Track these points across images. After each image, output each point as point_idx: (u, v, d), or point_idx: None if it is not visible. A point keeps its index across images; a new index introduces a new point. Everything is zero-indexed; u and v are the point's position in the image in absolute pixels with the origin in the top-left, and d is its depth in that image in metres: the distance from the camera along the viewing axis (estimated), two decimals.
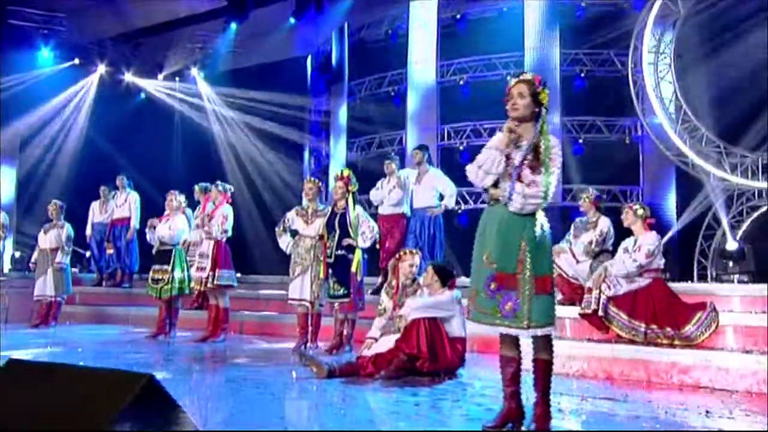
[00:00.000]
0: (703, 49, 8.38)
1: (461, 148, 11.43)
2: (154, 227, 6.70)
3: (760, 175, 7.88)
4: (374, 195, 7.28)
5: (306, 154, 14.60)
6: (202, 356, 5.53)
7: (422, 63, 11.84)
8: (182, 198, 7.01)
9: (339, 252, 5.59)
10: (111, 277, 9.60)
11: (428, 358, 4.25)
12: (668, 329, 4.63)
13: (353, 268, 5.56)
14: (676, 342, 4.59)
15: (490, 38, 11.58)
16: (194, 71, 14.78)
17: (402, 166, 7.91)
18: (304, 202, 6.17)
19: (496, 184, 3.02)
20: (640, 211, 4.91)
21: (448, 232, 7.18)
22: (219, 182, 6.71)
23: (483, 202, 10.80)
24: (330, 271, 5.63)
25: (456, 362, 4.41)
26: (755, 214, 8.75)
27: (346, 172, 5.77)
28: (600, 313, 4.71)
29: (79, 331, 7.37)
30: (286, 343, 6.21)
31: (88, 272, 10.34)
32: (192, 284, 6.54)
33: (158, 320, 6.74)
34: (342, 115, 13.14)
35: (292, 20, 12.45)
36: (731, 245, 7.20)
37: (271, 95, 13.72)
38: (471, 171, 3.09)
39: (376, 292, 6.22)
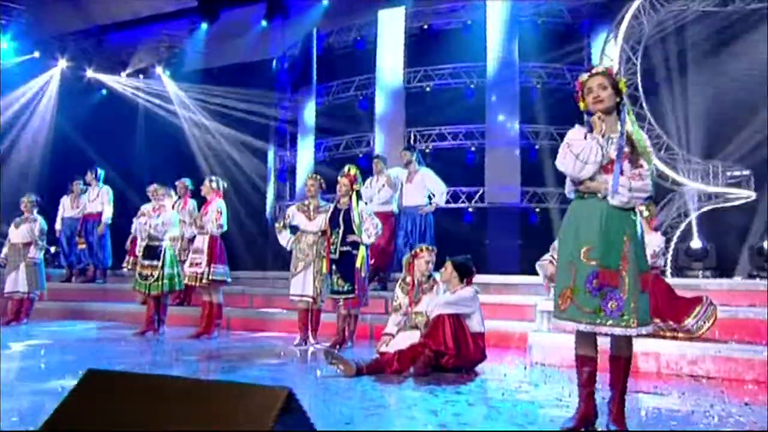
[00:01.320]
0: (668, 65, 8.54)
1: (427, 150, 11.21)
2: (144, 215, 6.09)
3: (710, 180, 8.07)
4: (363, 193, 6.89)
5: (271, 154, 14.01)
6: (212, 355, 4.99)
7: (390, 69, 11.55)
8: (172, 192, 6.42)
9: (344, 248, 5.20)
10: (81, 273, 8.79)
11: (454, 354, 3.96)
12: (671, 323, 4.53)
13: (358, 264, 5.19)
14: (679, 335, 4.49)
15: (454, 48, 11.45)
16: (159, 69, 13.91)
17: (368, 166, 7.62)
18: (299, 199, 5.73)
19: (591, 177, 2.74)
20: (646, 213, 4.79)
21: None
22: (213, 177, 6.16)
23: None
24: (334, 267, 5.24)
25: (479, 357, 4.14)
26: (695, 215, 8.97)
27: (353, 170, 5.39)
28: None
29: (57, 329, 6.61)
30: (283, 340, 5.76)
31: (54, 268, 9.43)
32: (185, 280, 5.96)
33: (146, 317, 6.12)
34: (309, 116, 12.66)
35: (264, 23, 11.88)
36: (696, 244, 7.32)
37: (239, 95, 13.10)
38: (566, 162, 2.71)
39: None
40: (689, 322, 4.52)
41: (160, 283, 5.96)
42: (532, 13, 11.24)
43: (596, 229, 2.66)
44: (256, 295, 7.47)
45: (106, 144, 12.01)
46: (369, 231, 5.24)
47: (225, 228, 5.87)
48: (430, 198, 6.67)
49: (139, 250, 6.37)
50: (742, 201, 7.99)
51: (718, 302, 4.69)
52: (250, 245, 12.50)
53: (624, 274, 2.62)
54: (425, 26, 11.56)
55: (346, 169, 5.43)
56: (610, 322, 2.61)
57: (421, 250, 4.54)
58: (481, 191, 10.83)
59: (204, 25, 12.08)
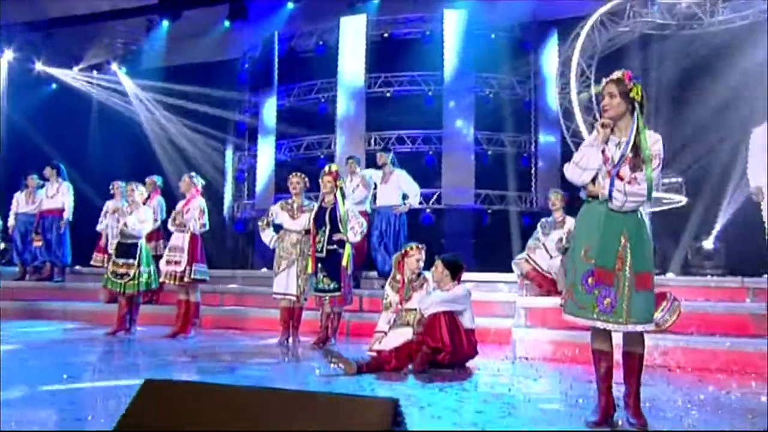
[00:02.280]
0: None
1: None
2: (115, 212, 5.65)
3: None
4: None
5: (229, 153, 13.50)
6: (199, 355, 4.66)
7: (351, 74, 11.36)
8: (143, 189, 6.00)
9: (330, 247, 5.00)
10: (36, 271, 8.10)
11: (450, 350, 3.86)
12: None
13: (344, 263, 5.00)
14: (658, 328, 4.57)
15: (414, 57, 11.40)
16: (115, 66, 13.12)
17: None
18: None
19: (593, 181, 2.72)
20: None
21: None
22: (193, 174, 5.80)
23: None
24: (320, 265, 5.03)
25: (471, 353, 4.06)
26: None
27: (334, 168, 5.20)
28: None
29: (19, 330, 6.01)
30: (260, 337, 5.49)
31: (4, 265, 8.66)
32: (161, 278, 5.55)
33: (118, 316, 5.68)
34: (270, 117, 12.27)
35: (226, 24, 11.42)
36: (708, 244, 7.54)
37: (198, 94, 12.56)
38: (569, 169, 2.78)
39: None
40: (657, 316, 4.60)
41: (136, 281, 5.54)
42: (486, 28, 11.37)
43: (595, 230, 2.68)
44: (227, 293, 7.11)
45: (58, 138, 11.20)
46: (355, 229, 5.08)
47: (207, 227, 5.53)
48: (404, 198, 6.57)
49: (111, 248, 5.91)
50: (676, 205, 8.35)
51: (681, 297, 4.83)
52: (207, 243, 11.99)
53: (619, 273, 2.64)
54: (386, 34, 11.46)
55: (327, 167, 5.23)
56: (603, 317, 2.63)
57: (411, 249, 4.42)
58: (438, 193, 10.83)
59: (165, 23, 11.47)
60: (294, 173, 5.45)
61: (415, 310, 4.26)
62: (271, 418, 1.23)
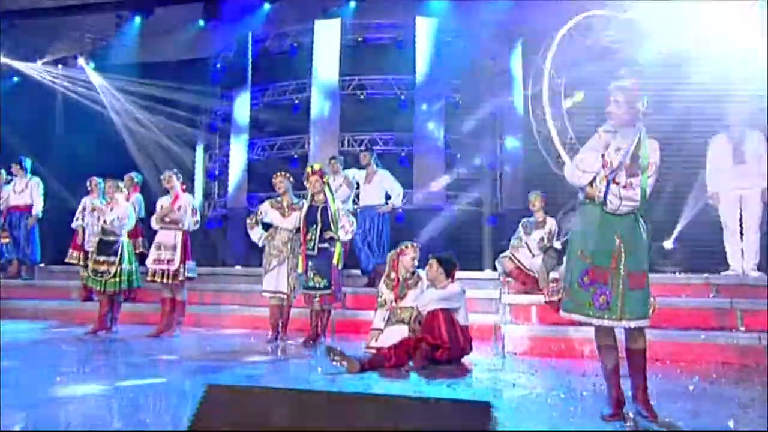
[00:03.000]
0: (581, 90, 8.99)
1: (361, 154, 11.00)
2: (94, 210, 5.33)
3: None
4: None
5: (199, 151, 13.08)
6: (191, 354, 4.44)
7: (326, 76, 11.20)
8: (122, 185, 5.68)
9: (322, 245, 4.87)
10: (2, 269, 7.59)
11: (448, 347, 3.81)
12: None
13: (335, 261, 4.88)
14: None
15: (386, 61, 11.33)
16: (81, 60, 12.48)
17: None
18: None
19: (591, 183, 2.73)
20: None
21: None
22: (176, 170, 5.54)
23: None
24: (310, 263, 4.89)
25: (467, 349, 4.03)
26: None
27: (317, 166, 5.06)
28: None
29: None
30: (252, 337, 5.30)
31: None
32: (149, 276, 5.26)
33: (99, 315, 5.36)
34: (243, 116, 11.94)
35: (201, 23, 11.04)
36: (668, 244, 7.77)
37: (170, 91, 12.11)
38: (568, 170, 2.81)
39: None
40: None
41: (117, 279, 5.24)
42: (455, 36, 11.42)
43: (592, 231, 2.71)
44: (206, 291, 6.85)
45: (21, 132, 10.57)
46: (345, 228, 4.97)
47: (199, 224, 5.30)
48: (387, 198, 6.49)
49: (90, 245, 5.58)
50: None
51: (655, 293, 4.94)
52: None
53: (614, 272, 2.66)
54: (360, 38, 11.34)
55: (309, 167, 5.09)
56: (599, 314, 2.66)
57: (407, 248, 4.35)
58: (409, 194, 10.80)
59: (138, 19, 10.98)
60: (276, 173, 5.27)
61: (410, 307, 4.20)
62: (358, 423, 1.14)
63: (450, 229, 10.97)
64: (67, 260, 6.78)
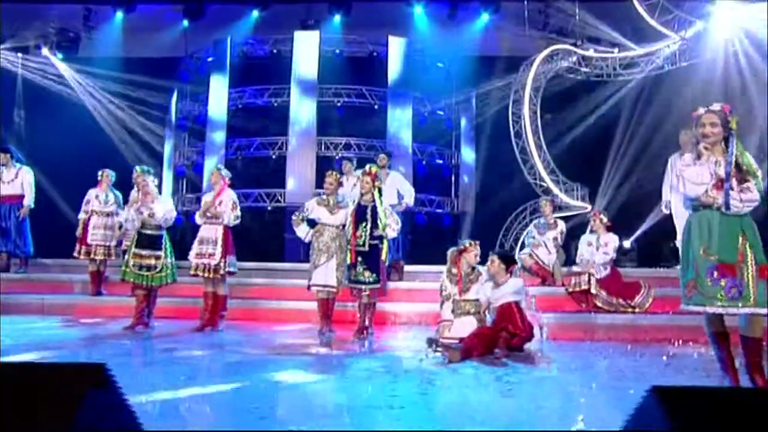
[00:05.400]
0: (557, 110, 9.33)
1: (336, 157, 10.70)
2: (140, 208, 4.64)
3: (577, 195, 9.00)
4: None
5: (168, 147, 11.98)
6: (258, 348, 3.95)
7: (305, 83, 10.75)
8: (154, 178, 4.99)
9: (372, 242, 4.59)
10: None
11: (524, 335, 3.74)
12: (628, 301, 4.91)
13: (383, 257, 4.62)
14: (637, 310, 4.87)
15: (361, 72, 11.11)
16: (46, 50, 10.94)
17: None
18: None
19: (705, 193, 2.78)
20: (605, 219, 5.13)
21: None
22: (220, 166, 4.95)
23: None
24: (359, 259, 4.58)
25: (532, 336, 3.97)
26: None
27: (374, 169, 4.78)
28: (592, 291, 4.80)
29: (10, 326, 4.65)
30: (297, 330, 4.88)
31: None
32: (192, 270, 4.64)
33: (137, 310, 4.64)
34: (219, 116, 11.12)
35: (185, 23, 10.10)
36: (627, 244, 8.14)
37: (141, 87, 11.00)
38: (682, 185, 2.83)
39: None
40: (637, 299, 4.96)
41: (164, 273, 4.59)
42: (423, 56, 11.44)
43: (713, 232, 2.76)
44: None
45: None
46: (392, 226, 4.70)
47: (240, 219, 4.77)
48: (399, 198, 6.29)
49: (128, 240, 4.85)
50: (582, 212, 9.11)
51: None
52: None
53: (742, 266, 2.73)
54: (337, 50, 11.00)
55: (367, 167, 4.80)
56: (731, 304, 2.70)
57: (471, 245, 4.21)
58: None
59: (119, 14, 9.81)
60: (330, 172, 4.91)
61: (473, 300, 4.08)
62: None
63: (415, 228, 10.96)
64: (75, 255, 5.85)
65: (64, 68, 10.81)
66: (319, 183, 10.54)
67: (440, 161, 11.63)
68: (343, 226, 4.74)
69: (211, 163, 11.06)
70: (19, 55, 11.15)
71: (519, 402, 2.58)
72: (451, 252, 4.32)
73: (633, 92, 8.69)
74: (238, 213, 4.73)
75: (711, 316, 2.77)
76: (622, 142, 8.64)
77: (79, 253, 5.80)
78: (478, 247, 4.24)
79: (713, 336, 2.81)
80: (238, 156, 11.02)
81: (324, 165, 10.77)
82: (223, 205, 4.66)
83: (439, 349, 3.35)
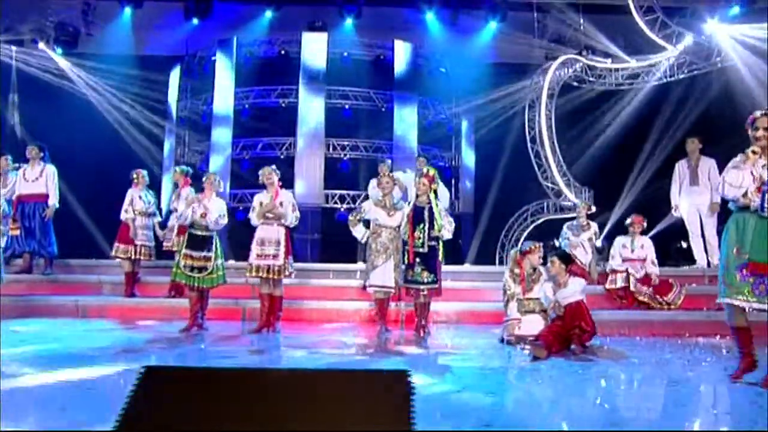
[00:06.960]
0: (570, 119, 9.55)
1: (344, 158, 10.71)
2: (193, 203, 4.50)
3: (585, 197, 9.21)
4: (370, 193, 6.22)
5: (167, 145, 11.61)
6: (334, 348, 3.89)
7: (312, 84, 10.64)
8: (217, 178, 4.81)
9: (431, 243, 4.60)
10: (7, 263, 6.04)
11: (592, 332, 3.85)
12: (663, 297, 5.12)
13: (440, 258, 4.65)
14: (671, 306, 5.08)
15: (368, 75, 11.08)
16: (42, 44, 10.39)
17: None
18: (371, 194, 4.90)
19: (744, 195, 2.89)
20: (644, 223, 5.33)
21: None
22: (272, 166, 4.85)
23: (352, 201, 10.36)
24: (417, 259, 4.59)
25: (596, 334, 4.08)
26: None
27: (431, 171, 4.79)
28: (631, 288, 4.99)
29: (49, 329, 4.40)
30: (351, 328, 4.84)
31: None
32: (253, 272, 4.52)
33: (192, 312, 4.49)
34: (225, 114, 10.87)
35: (195, 20, 9.80)
36: (598, 243, 8.36)
37: (144, 83, 10.63)
38: (725, 187, 2.93)
39: None
40: (670, 297, 5.18)
41: (216, 275, 4.46)
42: (427, 61, 11.50)
43: (747, 232, 2.86)
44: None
45: None
46: (447, 227, 4.74)
47: (299, 220, 4.69)
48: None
49: (175, 239, 4.67)
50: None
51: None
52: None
53: None
54: (345, 54, 10.92)
55: (425, 170, 4.82)
56: (759, 299, 2.80)
57: (535, 247, 4.29)
58: None
59: (128, 10, 9.43)
60: (386, 174, 4.89)
61: (536, 299, 4.17)
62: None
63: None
64: (113, 254, 5.61)
65: (64, 63, 10.31)
66: (328, 184, 10.55)
67: (442, 163, 11.73)
68: (398, 227, 4.74)
69: (216, 163, 10.81)
70: (13, 48, 10.57)
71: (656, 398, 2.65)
72: (514, 252, 4.40)
73: (642, 101, 9.04)
74: (298, 214, 4.66)
75: (734, 311, 2.88)
76: (634, 148, 8.96)
77: (117, 252, 5.56)
78: (542, 249, 4.33)
79: (734, 330, 2.95)
80: (245, 155, 10.80)
81: (331, 165, 10.74)
82: (285, 205, 4.58)
83: (527, 347, 3.41)
